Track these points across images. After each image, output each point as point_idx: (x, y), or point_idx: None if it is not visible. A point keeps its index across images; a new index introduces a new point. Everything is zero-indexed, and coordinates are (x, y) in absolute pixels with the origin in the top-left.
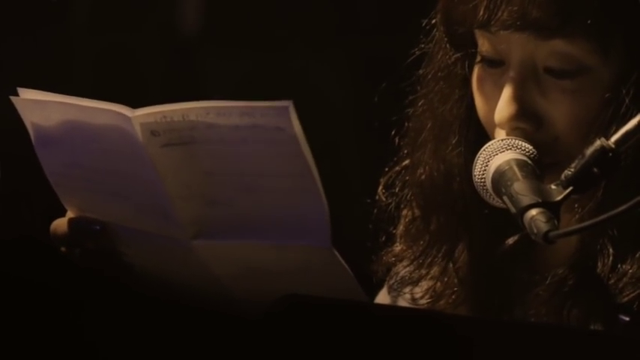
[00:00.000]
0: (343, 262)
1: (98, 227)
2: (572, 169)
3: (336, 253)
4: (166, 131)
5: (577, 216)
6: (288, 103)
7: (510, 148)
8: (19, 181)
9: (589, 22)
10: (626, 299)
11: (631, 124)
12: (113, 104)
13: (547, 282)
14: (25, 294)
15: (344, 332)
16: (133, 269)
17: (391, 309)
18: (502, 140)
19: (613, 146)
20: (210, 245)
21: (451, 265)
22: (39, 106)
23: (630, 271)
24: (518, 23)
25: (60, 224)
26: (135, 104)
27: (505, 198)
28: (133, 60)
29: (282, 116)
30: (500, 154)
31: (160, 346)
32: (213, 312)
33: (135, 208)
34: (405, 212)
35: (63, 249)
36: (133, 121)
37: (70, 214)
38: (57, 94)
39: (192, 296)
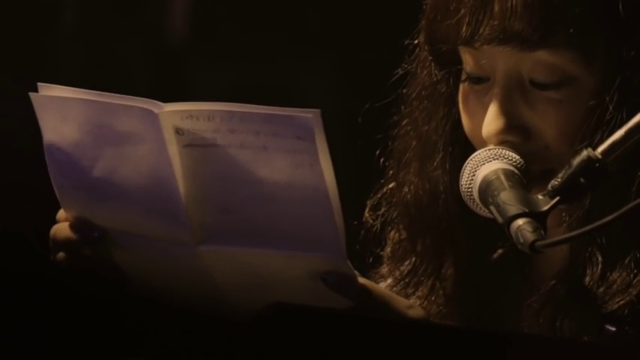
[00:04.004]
0: (357, 273)
1: (97, 234)
2: (559, 179)
3: (350, 265)
4: (190, 131)
5: (564, 225)
6: (311, 115)
7: (497, 158)
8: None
9: (571, 31)
10: (615, 307)
11: (618, 134)
12: (141, 99)
13: (539, 293)
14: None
15: (332, 340)
16: (125, 277)
17: (379, 318)
18: (489, 150)
19: (600, 156)
20: (216, 251)
21: (438, 283)
22: (58, 103)
23: (619, 278)
24: (501, 37)
25: (61, 229)
26: None
27: (492, 208)
28: (120, 67)
29: (302, 126)
30: (487, 164)
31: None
32: (199, 314)
33: (144, 210)
34: (392, 234)
35: (61, 254)
36: (160, 117)
37: (70, 219)
38: (81, 90)
39: (185, 303)
